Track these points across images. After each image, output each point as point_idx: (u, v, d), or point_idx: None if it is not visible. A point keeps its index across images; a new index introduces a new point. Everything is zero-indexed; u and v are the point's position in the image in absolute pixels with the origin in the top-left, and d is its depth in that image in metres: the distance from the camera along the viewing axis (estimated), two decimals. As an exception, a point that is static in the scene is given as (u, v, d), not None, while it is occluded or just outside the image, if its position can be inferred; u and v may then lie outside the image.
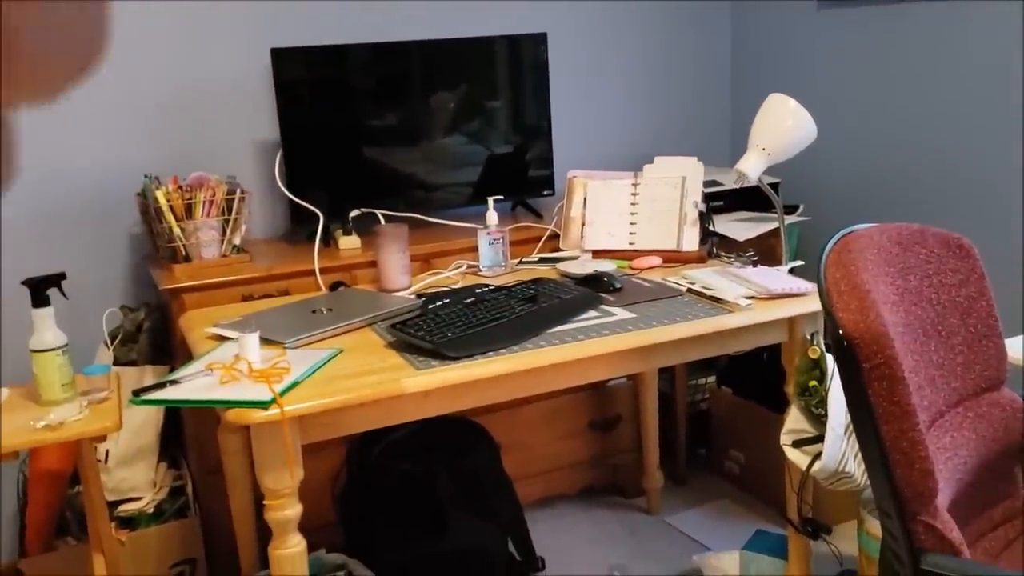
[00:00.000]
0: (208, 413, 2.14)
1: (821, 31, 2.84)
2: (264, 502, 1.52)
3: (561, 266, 2.16)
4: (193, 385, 1.53)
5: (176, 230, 2.17)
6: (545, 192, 2.71)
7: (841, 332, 1.05)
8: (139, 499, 2.21)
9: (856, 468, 1.80)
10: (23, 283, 1.73)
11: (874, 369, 1.04)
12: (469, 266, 2.24)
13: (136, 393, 1.51)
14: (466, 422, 2.35)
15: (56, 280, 1.75)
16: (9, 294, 2.36)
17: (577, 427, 2.65)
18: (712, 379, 2.87)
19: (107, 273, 2.47)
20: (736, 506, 2.69)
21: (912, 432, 1.05)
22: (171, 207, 2.16)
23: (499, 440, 2.42)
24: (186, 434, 2.30)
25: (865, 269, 1.14)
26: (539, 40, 2.61)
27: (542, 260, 2.29)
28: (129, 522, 2.17)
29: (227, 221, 2.23)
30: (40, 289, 1.71)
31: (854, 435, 1.80)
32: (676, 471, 2.84)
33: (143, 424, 2.24)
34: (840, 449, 1.76)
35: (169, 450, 2.33)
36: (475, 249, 2.22)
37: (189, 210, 2.18)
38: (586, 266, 2.12)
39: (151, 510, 2.20)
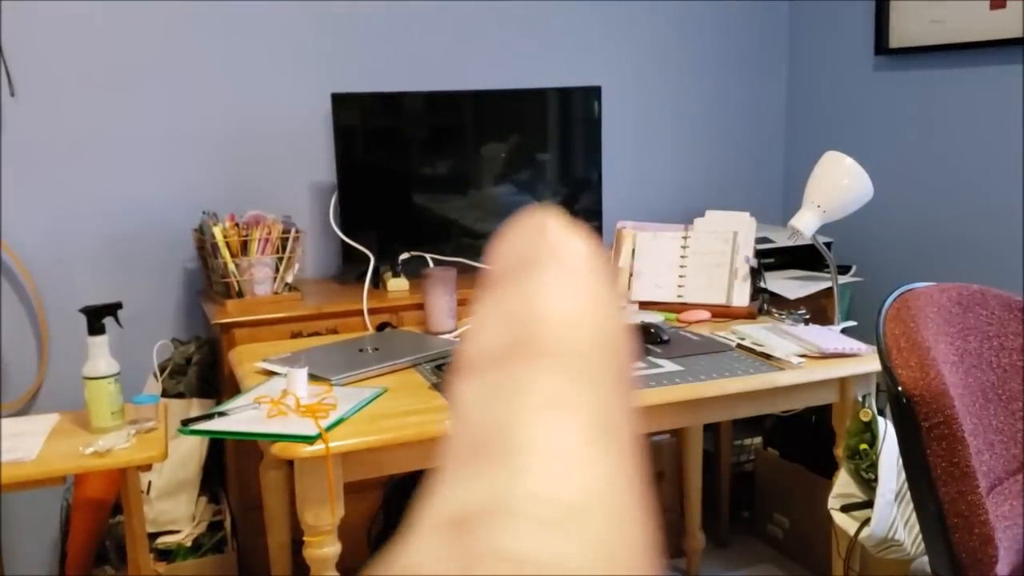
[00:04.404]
0: (250, 448, 2.15)
1: (877, 90, 2.83)
2: (304, 539, 1.51)
3: (608, 317, 2.15)
4: (241, 417, 1.54)
5: (231, 266, 2.21)
6: (593, 243, 2.71)
7: (900, 389, 1.03)
8: (178, 532, 2.21)
9: (906, 536, 1.75)
10: (80, 310, 1.76)
11: (933, 428, 1.02)
12: (516, 313, 2.24)
13: (185, 423, 1.52)
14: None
15: (113, 309, 1.78)
16: (62, 321, 2.41)
17: (618, 482, 2.60)
18: (758, 440, 2.81)
19: (160, 306, 2.52)
20: (779, 572, 2.61)
21: (972, 495, 1.01)
22: (227, 243, 2.21)
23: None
24: (227, 469, 2.31)
25: (925, 327, 1.12)
26: (593, 93, 2.63)
27: (589, 310, 2.28)
28: (167, 555, 2.17)
29: (281, 259, 2.26)
30: (96, 317, 1.75)
31: (905, 501, 1.76)
32: (718, 533, 2.78)
33: (186, 457, 2.25)
34: (890, 515, 1.71)
35: (209, 484, 2.34)
36: (522, 296, 2.23)
37: (245, 247, 2.22)
38: (633, 317, 2.11)
39: (189, 544, 2.20)
